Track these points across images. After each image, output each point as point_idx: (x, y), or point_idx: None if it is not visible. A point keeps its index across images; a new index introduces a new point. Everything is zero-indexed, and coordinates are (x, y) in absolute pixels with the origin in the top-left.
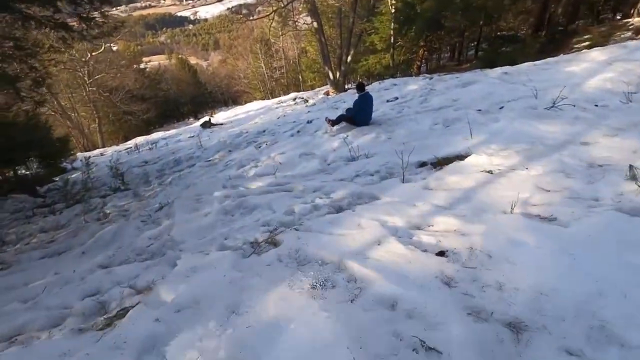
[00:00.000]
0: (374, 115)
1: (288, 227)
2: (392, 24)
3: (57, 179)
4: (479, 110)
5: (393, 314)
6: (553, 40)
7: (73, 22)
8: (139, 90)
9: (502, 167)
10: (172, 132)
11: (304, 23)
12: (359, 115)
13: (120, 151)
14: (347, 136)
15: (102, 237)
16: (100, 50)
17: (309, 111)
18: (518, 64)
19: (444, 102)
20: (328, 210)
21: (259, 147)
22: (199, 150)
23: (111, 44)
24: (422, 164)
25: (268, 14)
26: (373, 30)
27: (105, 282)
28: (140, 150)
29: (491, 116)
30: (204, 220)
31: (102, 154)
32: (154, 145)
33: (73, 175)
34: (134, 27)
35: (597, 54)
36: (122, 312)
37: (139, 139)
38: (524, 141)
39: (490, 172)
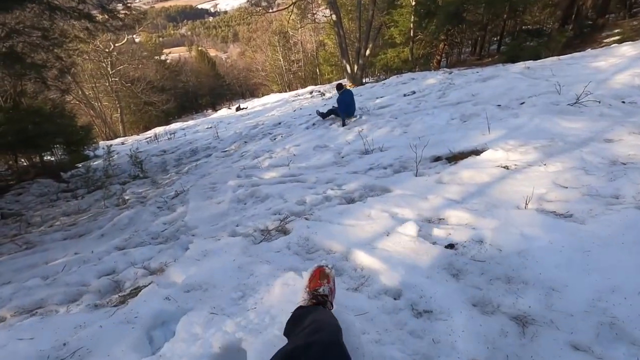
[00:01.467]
0: (389, 108)
1: (299, 217)
2: (412, 17)
3: (80, 165)
4: (499, 105)
5: (397, 302)
6: (581, 34)
7: (97, 14)
8: (160, 81)
9: (519, 162)
10: (191, 123)
11: (323, 15)
12: (342, 108)
13: (140, 140)
14: (362, 129)
15: (120, 221)
16: (123, 42)
17: (325, 104)
18: (542, 58)
19: (463, 96)
20: (339, 202)
21: (274, 139)
22: (216, 140)
23: (133, 36)
24: (437, 159)
25: (287, 6)
26: (392, 24)
27: (120, 263)
28: (159, 140)
29: (511, 111)
30: (217, 208)
31: (122, 143)
32: (172, 135)
33: (95, 163)
34: (156, 19)
35: (627, 49)
36: (135, 291)
37: (159, 129)
38: (543, 137)
39: (506, 167)
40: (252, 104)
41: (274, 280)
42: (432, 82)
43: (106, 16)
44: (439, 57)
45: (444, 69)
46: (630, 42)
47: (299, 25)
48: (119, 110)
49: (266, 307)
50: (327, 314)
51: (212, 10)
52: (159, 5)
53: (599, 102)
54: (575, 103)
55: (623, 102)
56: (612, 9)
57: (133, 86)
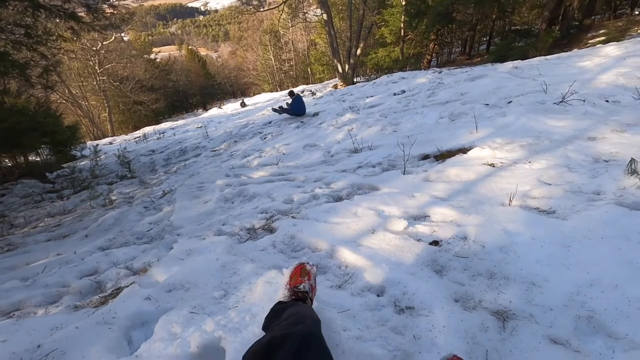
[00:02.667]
0: (379, 107)
1: (285, 215)
2: (403, 16)
3: (66, 165)
4: (487, 104)
5: (381, 299)
6: (567, 35)
7: (82, 13)
8: (149, 80)
9: (504, 160)
10: (180, 122)
11: (314, 15)
12: (294, 110)
13: (128, 140)
14: (352, 128)
15: (105, 222)
16: (111, 40)
17: (315, 104)
18: (530, 58)
19: (452, 96)
20: (327, 200)
21: (264, 138)
22: (205, 140)
23: (122, 34)
24: (425, 157)
25: (278, 5)
26: (383, 23)
27: (103, 263)
28: (148, 139)
29: (499, 110)
30: (204, 207)
31: (111, 143)
32: (161, 135)
33: (82, 163)
34: (145, 17)
35: (612, 49)
36: (117, 291)
37: (148, 129)
38: (530, 136)
39: (492, 165)
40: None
41: (256, 279)
42: (422, 82)
43: (92, 16)
44: (429, 57)
45: (434, 68)
46: (615, 43)
47: (290, 25)
48: (107, 109)
49: (247, 306)
50: (307, 308)
51: (203, 8)
52: (148, 4)
53: (584, 101)
54: (561, 102)
55: (607, 100)
56: (598, 10)
57: (122, 85)
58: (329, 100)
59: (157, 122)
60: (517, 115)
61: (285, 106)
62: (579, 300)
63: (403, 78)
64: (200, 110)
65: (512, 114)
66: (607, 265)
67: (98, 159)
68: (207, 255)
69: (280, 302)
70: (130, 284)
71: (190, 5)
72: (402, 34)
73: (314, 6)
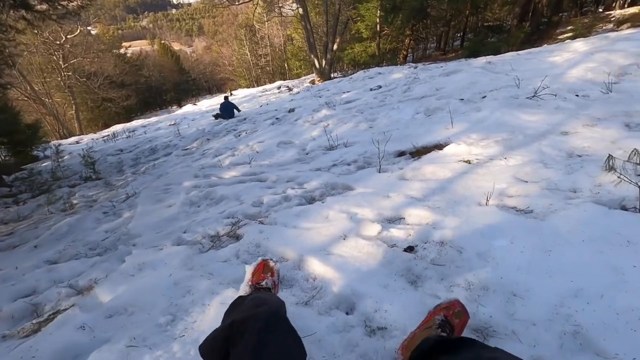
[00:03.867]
0: (355, 103)
1: (253, 219)
2: (379, 11)
3: (26, 167)
4: (462, 99)
5: (350, 318)
6: (537, 31)
7: (35, 1)
8: (119, 76)
9: (480, 156)
10: (153, 119)
11: (290, 9)
12: (224, 114)
13: (96, 139)
14: (328, 125)
15: (59, 230)
16: (76, 34)
17: (292, 99)
18: (502, 53)
19: (427, 91)
20: (298, 202)
21: (238, 135)
22: (177, 138)
23: (89, 27)
24: (401, 154)
25: None
26: (359, 18)
27: (44, 281)
28: (117, 138)
29: (473, 105)
30: (166, 212)
31: (77, 142)
32: (132, 133)
33: (44, 164)
34: (114, 10)
35: (580, 45)
36: (54, 315)
37: (118, 127)
38: (504, 130)
39: (468, 161)
40: (219, 100)
41: (211, 299)
42: (398, 77)
43: (46, 4)
44: (405, 52)
45: (410, 63)
46: (582, 39)
47: (265, 19)
48: (74, 107)
49: (196, 334)
50: (269, 293)
51: (175, 1)
52: None
53: (555, 95)
54: (533, 96)
55: (577, 95)
56: (565, 8)
57: (89, 81)
58: (306, 96)
59: (129, 120)
60: (492, 110)
61: (219, 112)
62: (563, 313)
63: (379, 73)
64: (174, 107)
65: (487, 109)
66: (590, 272)
67: (61, 159)
68: (160, 270)
69: (240, 297)
70: (69, 307)
71: None
72: (378, 29)
73: (290, 0)
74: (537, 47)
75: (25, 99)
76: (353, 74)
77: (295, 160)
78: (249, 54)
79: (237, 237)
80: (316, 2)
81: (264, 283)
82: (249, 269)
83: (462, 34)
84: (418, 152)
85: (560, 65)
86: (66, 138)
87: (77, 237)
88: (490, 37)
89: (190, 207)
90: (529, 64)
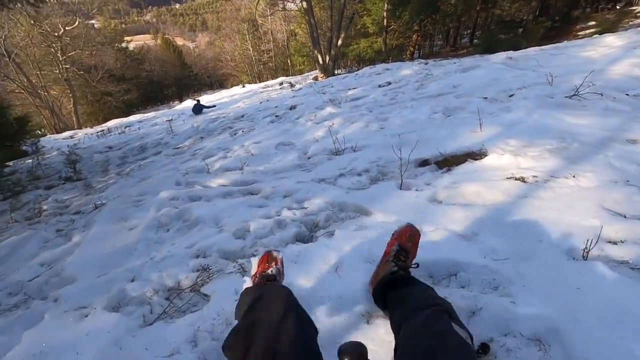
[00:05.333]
0: (363, 100)
1: (232, 262)
2: (386, 5)
3: (12, 163)
4: (485, 98)
5: None
6: (553, 27)
7: None
8: (120, 70)
9: (536, 172)
10: (150, 114)
11: (293, 3)
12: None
13: (91, 134)
14: (333, 124)
15: None
16: (75, 25)
17: (294, 96)
18: (522, 49)
19: (443, 88)
20: (296, 231)
21: (234, 134)
22: (169, 135)
23: (91, 21)
24: (424, 163)
25: None
26: (365, 12)
27: None
28: (112, 134)
29: (501, 105)
30: (124, 239)
31: (71, 137)
32: (126, 128)
33: (29, 161)
34: (118, 4)
35: (614, 39)
36: None
37: (113, 122)
38: (550, 136)
39: (521, 179)
40: (220, 95)
41: None
42: (407, 73)
43: None
44: (412, 49)
45: (419, 60)
46: (611, 34)
47: (268, 13)
48: (72, 100)
49: None
50: (274, 287)
51: None
52: None
53: (601, 94)
54: (573, 95)
55: (627, 94)
56: (581, 3)
57: (89, 74)
58: (308, 92)
59: (129, 114)
60: (527, 111)
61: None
62: None
63: (387, 69)
64: (175, 102)
65: (519, 109)
66: None
67: (42, 157)
68: None
69: (247, 289)
70: None
71: None
72: (385, 24)
73: None
74: (557, 42)
75: (21, 91)
76: (358, 70)
77: (295, 167)
78: (251, 49)
79: (204, 296)
80: None
81: (269, 271)
82: (254, 263)
83: (471, 30)
84: (446, 162)
85: (598, 61)
86: (61, 132)
87: (6, 270)
88: (503, 33)
89: (156, 233)
90: (557, 59)
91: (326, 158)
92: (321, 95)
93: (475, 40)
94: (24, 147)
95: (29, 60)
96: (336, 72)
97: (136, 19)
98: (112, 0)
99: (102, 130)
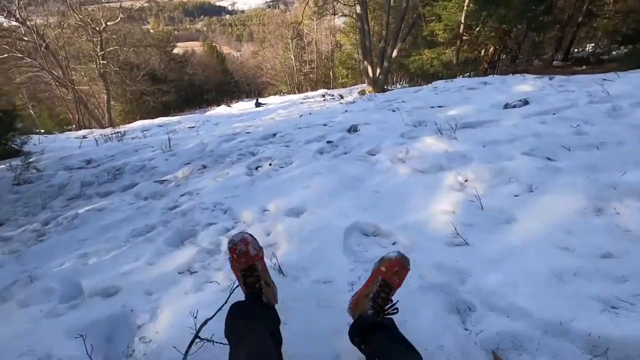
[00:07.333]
0: (496, 128)
1: None
2: (466, 7)
3: None
4: None
5: None
6: None
7: None
8: (163, 71)
9: None
10: (175, 118)
11: (345, 4)
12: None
13: (105, 135)
14: (467, 180)
15: None
16: (117, 21)
17: (346, 110)
18: None
19: None
20: None
21: (256, 168)
22: (164, 155)
23: (147, 26)
24: None
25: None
26: (434, 18)
27: None
28: (126, 136)
29: None
30: None
31: (84, 137)
32: (143, 132)
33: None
34: (174, 12)
35: None
36: None
37: (138, 123)
38: None
39: None
40: (254, 103)
41: None
42: (527, 90)
43: None
44: (485, 64)
45: (521, 75)
46: None
47: (315, 21)
48: (106, 96)
49: None
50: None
51: (230, 8)
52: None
53: None
54: None
55: None
56: None
57: (130, 73)
58: (367, 107)
59: (165, 115)
60: None
61: None
62: None
63: (486, 83)
64: (212, 107)
65: None
66: None
67: (27, 161)
68: None
69: (235, 306)
70: None
71: (218, 4)
72: (461, 31)
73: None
74: None
75: (57, 83)
76: (406, 85)
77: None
78: (293, 58)
79: None
80: (374, 4)
81: (248, 273)
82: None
83: (568, 43)
84: None
85: None
86: (81, 129)
87: None
88: None
89: None
90: None
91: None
92: (391, 112)
93: (618, 51)
94: (15, 145)
95: (63, 51)
96: (387, 87)
97: (188, 26)
98: (169, 8)
99: (117, 133)
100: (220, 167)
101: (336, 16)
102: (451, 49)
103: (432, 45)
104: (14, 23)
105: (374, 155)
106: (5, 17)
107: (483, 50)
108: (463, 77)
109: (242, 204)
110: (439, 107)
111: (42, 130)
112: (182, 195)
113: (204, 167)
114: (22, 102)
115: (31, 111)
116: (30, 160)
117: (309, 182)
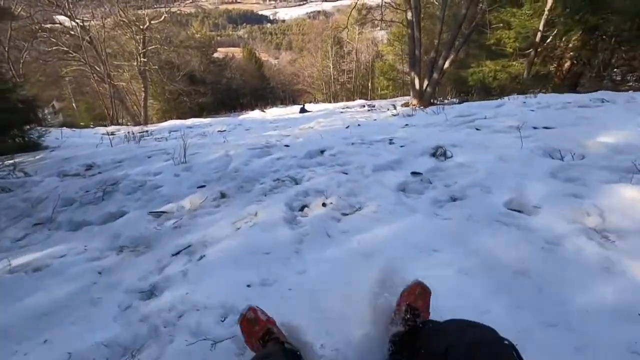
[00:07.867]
0: None
1: None
2: (547, 12)
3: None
4: None
5: None
6: None
7: None
8: (203, 73)
9: None
10: (206, 120)
11: (396, 8)
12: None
13: (133, 133)
14: None
15: None
16: (161, 20)
17: (406, 124)
18: None
19: None
20: None
21: (301, 209)
22: (174, 169)
23: (191, 28)
24: None
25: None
26: (502, 25)
27: None
28: (150, 136)
29: None
30: None
31: (112, 133)
32: (170, 133)
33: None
34: (218, 19)
35: None
36: None
37: (169, 123)
38: None
39: None
40: (291, 110)
41: None
42: None
43: None
44: (557, 80)
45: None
46: None
47: (357, 28)
48: (143, 94)
49: None
50: None
51: (272, 17)
52: (223, 7)
53: None
54: None
55: None
56: None
57: (169, 72)
58: (437, 122)
59: (200, 117)
60: None
61: None
62: None
63: (604, 101)
64: (246, 111)
65: None
66: None
67: (36, 157)
68: None
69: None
70: None
71: (260, 12)
72: (537, 39)
73: (390, 8)
74: None
75: (97, 78)
76: (455, 101)
77: None
78: (331, 66)
79: None
80: (427, 11)
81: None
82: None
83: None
84: None
85: None
86: (114, 125)
87: None
88: None
89: None
90: None
91: None
92: (475, 130)
93: None
94: (34, 139)
95: (105, 47)
96: (434, 101)
97: (230, 33)
98: (213, 15)
99: (144, 132)
100: (246, 199)
101: (379, 27)
102: (519, 60)
103: (494, 56)
104: (61, 17)
105: (521, 212)
106: (54, 11)
107: (556, 64)
108: (534, 93)
109: (277, 306)
110: (552, 128)
111: (81, 124)
112: (175, 254)
113: (223, 195)
114: (66, 95)
115: (74, 104)
116: (18, 160)
117: (411, 266)
